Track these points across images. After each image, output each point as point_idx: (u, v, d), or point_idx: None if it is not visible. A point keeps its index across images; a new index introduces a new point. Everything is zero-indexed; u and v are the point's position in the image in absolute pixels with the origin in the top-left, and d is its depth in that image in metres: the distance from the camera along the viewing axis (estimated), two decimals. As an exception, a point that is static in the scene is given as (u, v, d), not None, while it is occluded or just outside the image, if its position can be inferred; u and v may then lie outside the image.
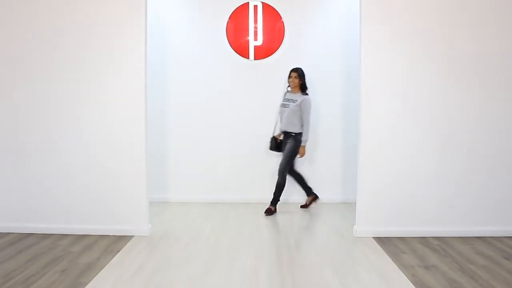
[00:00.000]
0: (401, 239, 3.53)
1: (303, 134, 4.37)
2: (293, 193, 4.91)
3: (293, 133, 4.40)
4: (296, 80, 4.40)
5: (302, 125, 4.37)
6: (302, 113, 4.34)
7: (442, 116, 3.60)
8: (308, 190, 4.64)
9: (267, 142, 4.69)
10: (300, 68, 4.44)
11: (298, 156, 4.42)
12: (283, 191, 4.46)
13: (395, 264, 2.98)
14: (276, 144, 4.55)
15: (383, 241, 3.47)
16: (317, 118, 4.91)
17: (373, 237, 3.58)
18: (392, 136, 3.60)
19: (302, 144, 4.38)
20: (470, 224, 3.64)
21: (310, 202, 4.68)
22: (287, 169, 4.45)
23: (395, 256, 3.14)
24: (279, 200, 4.48)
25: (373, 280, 2.73)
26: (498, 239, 3.53)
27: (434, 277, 2.76)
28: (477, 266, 2.95)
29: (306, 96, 4.39)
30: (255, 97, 4.92)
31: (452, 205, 3.63)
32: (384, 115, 3.59)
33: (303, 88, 4.43)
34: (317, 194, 4.66)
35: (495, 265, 2.97)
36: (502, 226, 3.63)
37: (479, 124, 3.60)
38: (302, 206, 4.70)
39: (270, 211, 4.40)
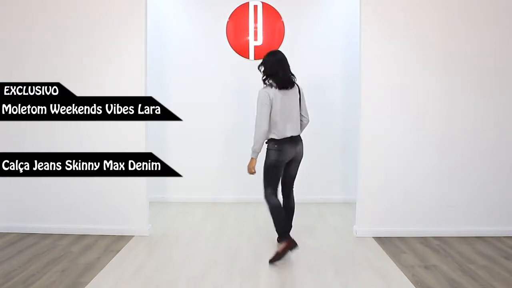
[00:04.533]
0: (401, 239, 3.53)
1: (253, 141, 3.15)
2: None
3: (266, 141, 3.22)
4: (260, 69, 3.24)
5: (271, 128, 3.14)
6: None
7: (442, 116, 3.60)
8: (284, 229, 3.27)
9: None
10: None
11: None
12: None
13: (395, 264, 2.98)
14: None
15: (383, 241, 3.47)
16: (317, 117, 4.90)
17: (373, 237, 3.57)
18: (392, 136, 3.60)
19: (251, 154, 3.18)
20: (470, 224, 3.63)
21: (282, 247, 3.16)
22: (267, 190, 3.23)
23: (395, 256, 3.14)
24: (285, 229, 3.27)
25: (373, 280, 2.73)
26: (498, 239, 3.53)
27: (434, 277, 2.76)
28: (477, 266, 2.95)
29: (261, 89, 3.18)
30: (256, 97, 4.90)
31: (452, 205, 3.63)
32: (384, 115, 3.59)
33: (265, 79, 3.20)
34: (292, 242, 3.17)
35: (495, 265, 2.97)
36: (502, 226, 3.63)
37: (479, 123, 3.60)
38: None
39: (279, 256, 3.08)
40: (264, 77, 3.18)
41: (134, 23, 3.55)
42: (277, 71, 3.13)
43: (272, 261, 3.05)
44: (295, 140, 3.20)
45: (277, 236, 3.38)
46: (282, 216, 3.22)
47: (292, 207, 3.39)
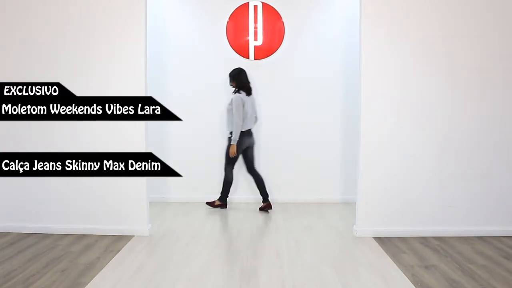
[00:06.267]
0: (401, 239, 3.53)
1: (233, 133, 4.38)
2: (290, 193, 4.92)
3: (230, 132, 4.46)
4: (231, 84, 4.51)
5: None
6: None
7: (442, 116, 3.60)
8: (264, 196, 4.56)
9: (267, 142, 4.89)
10: (232, 70, 4.49)
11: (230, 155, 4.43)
12: (231, 187, 4.64)
13: (395, 264, 2.98)
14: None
15: (383, 241, 3.47)
16: (317, 117, 4.92)
17: (373, 237, 3.57)
18: (392, 136, 3.60)
19: (231, 142, 4.38)
20: (470, 224, 3.63)
21: (263, 209, 4.55)
22: (228, 167, 4.54)
23: (395, 256, 3.14)
24: (227, 196, 4.63)
25: (373, 280, 2.73)
26: (498, 239, 3.53)
27: (434, 277, 2.76)
28: (477, 266, 2.95)
29: (235, 94, 4.42)
30: (255, 97, 4.91)
31: (452, 205, 3.63)
32: (384, 115, 3.59)
33: (237, 88, 4.46)
34: (271, 204, 4.55)
35: (495, 265, 2.97)
36: (502, 226, 3.63)
37: (479, 123, 3.60)
38: (260, 209, 4.60)
39: (213, 205, 4.65)
40: (237, 89, 4.44)
41: (134, 23, 3.54)
42: (245, 83, 4.49)
43: (208, 203, 4.65)
44: (251, 133, 4.53)
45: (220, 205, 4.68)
46: (228, 188, 4.60)
47: (262, 179, 4.58)
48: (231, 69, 4.52)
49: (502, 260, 3.07)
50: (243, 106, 4.36)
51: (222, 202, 4.64)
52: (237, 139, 4.36)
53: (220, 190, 4.63)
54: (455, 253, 3.21)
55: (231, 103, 4.40)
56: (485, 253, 3.20)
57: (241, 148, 4.46)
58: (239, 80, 4.46)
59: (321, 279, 2.74)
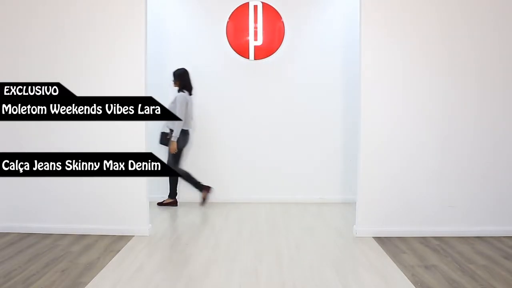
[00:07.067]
0: (401, 239, 3.53)
1: (174, 130, 4.49)
2: (290, 193, 4.92)
3: (171, 129, 4.56)
4: (175, 83, 4.66)
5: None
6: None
7: (442, 116, 3.60)
8: (172, 193, 4.78)
9: (266, 142, 4.92)
10: (176, 70, 4.64)
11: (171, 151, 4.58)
12: (192, 180, 4.72)
13: (395, 264, 2.98)
14: (165, 139, 4.65)
15: (383, 241, 3.47)
16: (317, 117, 4.92)
17: (373, 237, 3.58)
18: (392, 136, 3.60)
19: (172, 139, 4.52)
20: (470, 224, 3.64)
21: (166, 204, 4.77)
22: (177, 163, 4.67)
23: (395, 256, 3.14)
24: (198, 181, 4.70)
25: (373, 280, 2.73)
26: (498, 239, 3.53)
27: (434, 277, 2.76)
28: (477, 266, 2.95)
29: (179, 93, 4.57)
30: (255, 97, 4.92)
31: (452, 205, 3.63)
32: (384, 115, 3.59)
33: (181, 88, 4.63)
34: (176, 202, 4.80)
35: (495, 264, 2.97)
36: (502, 226, 3.63)
37: (479, 123, 3.60)
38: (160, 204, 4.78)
39: (204, 200, 4.74)
40: (181, 87, 4.61)
41: (134, 23, 3.54)
42: (189, 82, 4.65)
43: (202, 204, 4.72)
44: (189, 133, 4.72)
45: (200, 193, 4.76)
46: (191, 177, 4.69)
47: (178, 178, 4.77)
48: (175, 69, 4.65)
49: (502, 260, 3.07)
50: (187, 105, 4.54)
51: (203, 189, 4.71)
52: (178, 136, 4.50)
53: (192, 187, 4.71)
54: (455, 253, 3.21)
55: (174, 102, 4.52)
56: (485, 253, 3.20)
57: (185, 144, 4.66)
58: (183, 80, 4.62)
59: (321, 279, 2.74)
